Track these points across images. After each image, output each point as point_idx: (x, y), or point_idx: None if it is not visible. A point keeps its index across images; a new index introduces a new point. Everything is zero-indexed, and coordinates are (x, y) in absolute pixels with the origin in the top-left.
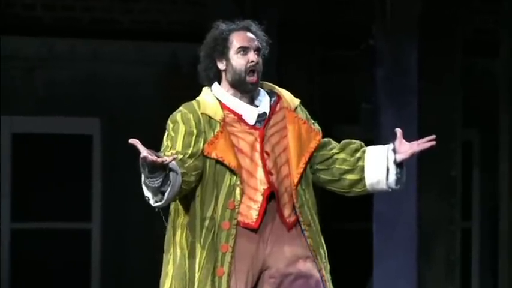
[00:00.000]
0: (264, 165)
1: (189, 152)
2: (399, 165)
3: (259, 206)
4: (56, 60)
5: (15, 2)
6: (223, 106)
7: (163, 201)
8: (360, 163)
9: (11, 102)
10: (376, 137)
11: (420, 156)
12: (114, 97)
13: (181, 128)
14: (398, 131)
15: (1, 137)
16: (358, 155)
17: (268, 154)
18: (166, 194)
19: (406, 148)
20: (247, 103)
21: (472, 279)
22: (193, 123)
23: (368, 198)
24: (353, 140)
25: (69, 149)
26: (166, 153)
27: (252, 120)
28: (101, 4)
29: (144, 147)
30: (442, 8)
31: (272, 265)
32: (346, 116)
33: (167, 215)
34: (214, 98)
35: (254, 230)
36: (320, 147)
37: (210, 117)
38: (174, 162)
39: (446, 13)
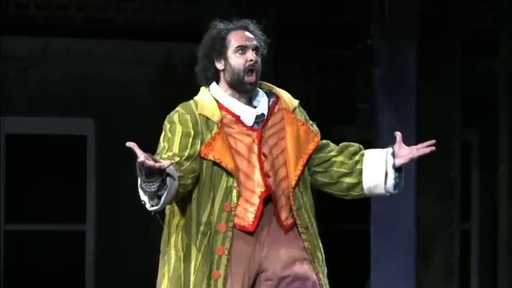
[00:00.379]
0: (261, 168)
1: (186, 154)
2: (398, 169)
3: (255, 208)
4: (49, 60)
5: (8, 2)
6: (220, 107)
7: (159, 206)
8: (358, 166)
9: (4, 102)
10: (374, 137)
11: (418, 158)
12: (109, 97)
13: (178, 129)
14: (398, 134)
15: None
16: (356, 158)
17: (265, 156)
18: (162, 198)
19: (405, 152)
20: (245, 104)
21: (471, 281)
22: (191, 124)
23: (366, 200)
24: (352, 143)
25: (63, 150)
26: (163, 156)
27: (250, 122)
28: (95, 3)
29: (141, 151)
30: (440, 7)
31: (268, 267)
32: (344, 116)
33: (163, 216)
34: (211, 98)
35: (250, 233)
36: (318, 149)
37: (208, 118)
38: (171, 166)
39: (445, 12)
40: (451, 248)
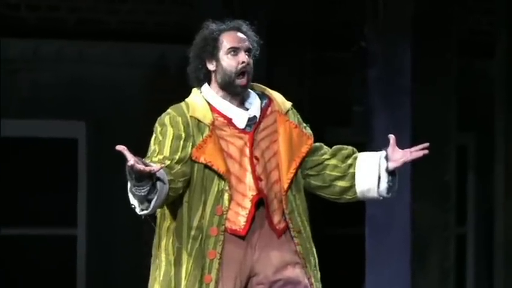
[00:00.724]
0: (253, 171)
1: (177, 157)
2: (391, 173)
3: (247, 212)
4: (40, 62)
5: None
6: (212, 109)
7: (149, 210)
8: (351, 170)
9: None
10: (369, 140)
11: (414, 161)
12: (100, 100)
13: (170, 132)
14: (392, 137)
15: None
16: (349, 161)
17: (257, 159)
18: (152, 203)
19: (398, 156)
20: (237, 106)
21: (467, 285)
22: (182, 127)
23: (360, 203)
24: (345, 146)
25: (54, 153)
26: (154, 159)
27: (241, 124)
28: (87, 5)
29: (132, 155)
30: (436, 8)
31: (260, 271)
32: (338, 118)
33: (155, 219)
34: (203, 100)
35: (242, 237)
36: (311, 152)
37: (199, 121)
38: (161, 170)
39: (440, 13)
40: (446, 251)
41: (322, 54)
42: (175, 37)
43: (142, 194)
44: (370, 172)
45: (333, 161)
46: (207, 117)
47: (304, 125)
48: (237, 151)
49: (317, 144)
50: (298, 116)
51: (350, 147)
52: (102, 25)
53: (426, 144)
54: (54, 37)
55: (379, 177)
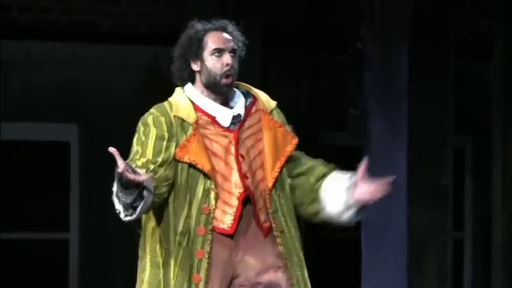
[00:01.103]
0: (239, 169)
1: (160, 159)
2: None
3: (234, 210)
4: (32, 64)
5: None
6: (196, 108)
7: (133, 216)
8: (320, 193)
9: None
10: (365, 143)
11: (410, 164)
12: (93, 102)
13: (152, 132)
14: (364, 163)
15: None
16: (320, 183)
17: (243, 157)
18: (138, 210)
19: (364, 188)
20: (221, 104)
21: None
22: (165, 127)
23: None
24: (321, 164)
25: (45, 156)
26: (137, 162)
27: (226, 123)
28: (79, 6)
29: (122, 160)
30: (434, 9)
31: (242, 273)
32: (334, 121)
33: (139, 225)
34: (186, 99)
35: (229, 236)
36: (292, 160)
37: (183, 120)
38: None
39: (438, 14)
40: (443, 256)
41: (318, 56)
42: (169, 39)
43: (128, 201)
44: (337, 199)
45: (306, 179)
46: (190, 116)
47: (288, 125)
48: (222, 149)
49: (297, 153)
50: (283, 116)
51: (326, 167)
52: (95, 27)
53: (390, 180)
54: (46, 39)
55: (346, 206)
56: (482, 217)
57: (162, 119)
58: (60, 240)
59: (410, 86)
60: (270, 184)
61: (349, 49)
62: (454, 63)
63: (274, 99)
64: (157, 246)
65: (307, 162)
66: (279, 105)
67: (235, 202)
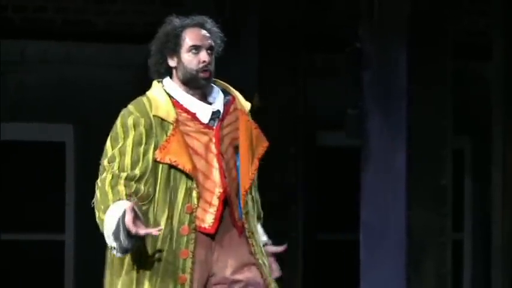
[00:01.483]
0: (221, 167)
1: (138, 172)
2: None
3: (215, 209)
4: (27, 64)
5: None
6: (175, 103)
7: (127, 253)
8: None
9: None
10: (363, 144)
11: (409, 164)
12: (88, 102)
13: (131, 137)
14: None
15: None
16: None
17: (223, 156)
18: (130, 251)
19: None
20: (199, 100)
21: None
22: (144, 130)
23: (354, 208)
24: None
25: (40, 157)
26: (116, 172)
27: (205, 119)
28: (75, 5)
29: (143, 227)
30: (432, 8)
31: (217, 272)
32: (332, 122)
33: None
34: (165, 95)
35: (209, 235)
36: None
37: (162, 119)
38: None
39: (436, 13)
40: (443, 258)
41: (316, 56)
42: None
43: (130, 247)
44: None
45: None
46: (170, 114)
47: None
48: (202, 147)
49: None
50: None
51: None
52: (90, 26)
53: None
54: (41, 38)
55: None
56: (481, 218)
57: (142, 120)
58: (56, 241)
59: (408, 86)
60: (247, 186)
61: (347, 48)
62: (452, 63)
63: (271, 99)
64: (132, 256)
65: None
66: (276, 105)
67: (216, 201)
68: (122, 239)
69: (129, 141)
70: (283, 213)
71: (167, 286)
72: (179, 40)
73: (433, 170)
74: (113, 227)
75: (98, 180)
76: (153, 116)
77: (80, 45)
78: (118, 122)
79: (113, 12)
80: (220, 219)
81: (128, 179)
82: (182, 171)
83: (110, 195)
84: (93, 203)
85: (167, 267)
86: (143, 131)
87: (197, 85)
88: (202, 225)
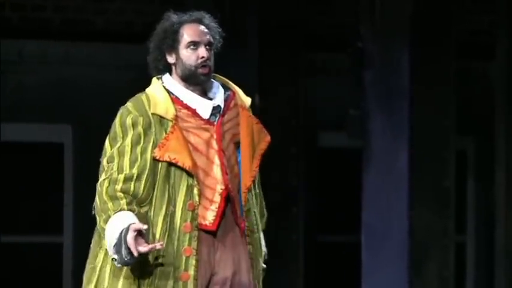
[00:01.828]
0: (222, 164)
1: (136, 171)
2: None
3: (217, 206)
4: (25, 64)
5: None
6: (174, 100)
7: (129, 264)
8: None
9: None
10: (365, 144)
11: (411, 165)
12: (87, 103)
13: (129, 137)
14: None
15: None
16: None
17: (224, 152)
18: (130, 264)
19: None
20: (199, 95)
21: None
22: (142, 130)
23: (356, 209)
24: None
25: (39, 158)
26: (113, 175)
27: (206, 114)
28: (73, 4)
29: (148, 246)
30: (434, 7)
31: (219, 271)
32: (333, 122)
33: None
34: (164, 92)
35: (210, 233)
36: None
37: (161, 117)
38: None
39: (438, 12)
40: (445, 260)
41: (317, 55)
42: None
43: (130, 262)
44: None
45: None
46: (169, 111)
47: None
48: (203, 143)
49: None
50: None
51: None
52: (89, 25)
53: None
54: (39, 38)
55: None
56: (485, 220)
57: (140, 119)
58: (54, 243)
59: (411, 86)
60: (249, 183)
61: (348, 48)
62: (455, 62)
63: (272, 99)
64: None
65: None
66: (277, 105)
67: (217, 198)
68: (123, 254)
69: (128, 141)
70: (283, 215)
71: (166, 284)
72: (177, 36)
73: (435, 170)
74: (114, 240)
75: (98, 183)
76: (152, 114)
77: (78, 44)
78: (117, 121)
79: (112, 11)
80: (221, 216)
81: (126, 180)
82: (182, 169)
83: (110, 204)
84: (94, 208)
85: (167, 265)
86: (141, 130)
87: (196, 81)
88: (203, 223)
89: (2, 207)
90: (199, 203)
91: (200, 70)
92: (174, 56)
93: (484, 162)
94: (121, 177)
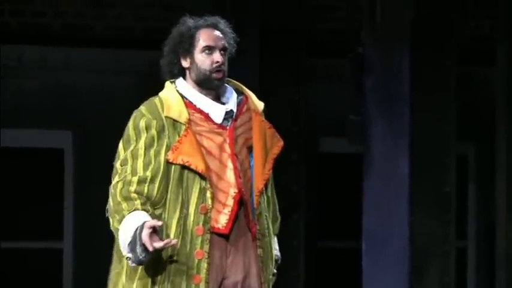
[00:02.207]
0: (235, 168)
1: (149, 174)
2: None
3: (229, 210)
4: (25, 69)
5: None
6: (187, 104)
7: (142, 264)
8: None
9: None
10: (365, 150)
11: (412, 171)
12: (87, 108)
13: (143, 139)
14: None
15: None
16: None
17: (237, 156)
18: (144, 262)
19: None
20: (213, 100)
21: None
22: (155, 132)
23: (357, 216)
24: (276, 213)
25: (39, 164)
26: (127, 177)
27: (219, 119)
28: (73, 10)
29: (161, 241)
30: (435, 13)
31: (231, 275)
32: (334, 128)
33: None
34: (177, 96)
35: (223, 236)
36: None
37: (175, 120)
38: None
39: (439, 18)
40: (446, 265)
41: (317, 61)
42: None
43: (144, 259)
44: None
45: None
46: (182, 115)
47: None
48: (216, 147)
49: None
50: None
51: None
52: (89, 31)
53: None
54: (38, 43)
55: None
56: (486, 225)
57: (154, 122)
58: (54, 249)
59: (411, 91)
60: (261, 186)
61: (349, 53)
62: (456, 68)
63: (272, 104)
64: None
65: (270, 193)
66: (278, 110)
67: (230, 202)
68: (138, 252)
69: (141, 144)
70: (284, 220)
71: (180, 286)
72: (193, 41)
73: (436, 176)
74: (129, 239)
75: (111, 186)
76: (165, 117)
77: (78, 50)
78: (130, 124)
79: (111, 16)
80: (234, 220)
81: (140, 182)
82: (195, 172)
83: (124, 205)
84: (107, 210)
85: (180, 267)
86: (155, 133)
87: (210, 86)
88: (216, 226)
89: (2, 213)
90: (212, 207)
91: (214, 75)
92: (188, 60)
93: (484, 167)
94: (135, 179)
